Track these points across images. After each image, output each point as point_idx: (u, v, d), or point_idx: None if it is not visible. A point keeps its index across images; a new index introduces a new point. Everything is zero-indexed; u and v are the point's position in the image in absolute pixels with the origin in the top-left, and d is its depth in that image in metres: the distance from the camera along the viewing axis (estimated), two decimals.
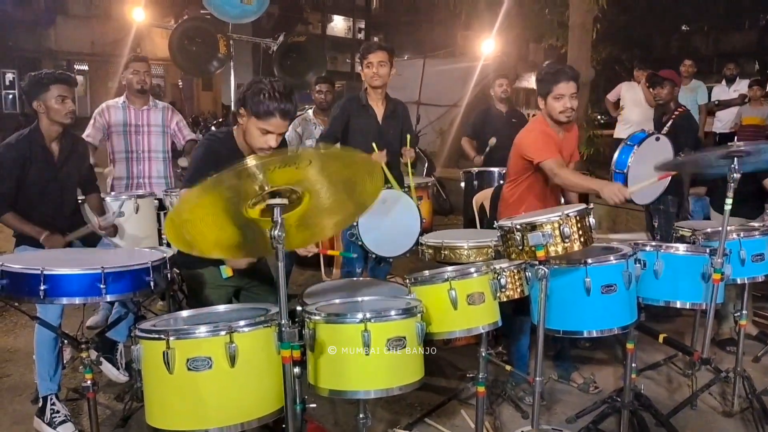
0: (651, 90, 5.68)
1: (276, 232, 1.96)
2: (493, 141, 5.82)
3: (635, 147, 4.50)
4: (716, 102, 8.77)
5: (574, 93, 3.57)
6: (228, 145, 2.96)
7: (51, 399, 3.45)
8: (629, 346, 3.25)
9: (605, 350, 4.53)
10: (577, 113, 4.83)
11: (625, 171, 4.49)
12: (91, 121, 4.87)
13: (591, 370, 4.15)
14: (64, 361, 3.74)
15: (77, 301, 2.54)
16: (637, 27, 19.89)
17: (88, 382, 2.70)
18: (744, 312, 3.60)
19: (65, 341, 3.15)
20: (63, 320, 3.41)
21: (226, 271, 2.88)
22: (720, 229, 3.54)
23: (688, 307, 3.29)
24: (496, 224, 2.96)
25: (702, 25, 25.33)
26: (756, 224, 3.71)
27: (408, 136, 4.43)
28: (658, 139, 4.75)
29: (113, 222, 3.99)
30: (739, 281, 3.43)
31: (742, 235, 3.41)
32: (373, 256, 4.09)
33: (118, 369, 4.01)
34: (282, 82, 2.84)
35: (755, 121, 7.91)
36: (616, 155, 4.70)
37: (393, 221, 4.00)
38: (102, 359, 3.90)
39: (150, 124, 4.97)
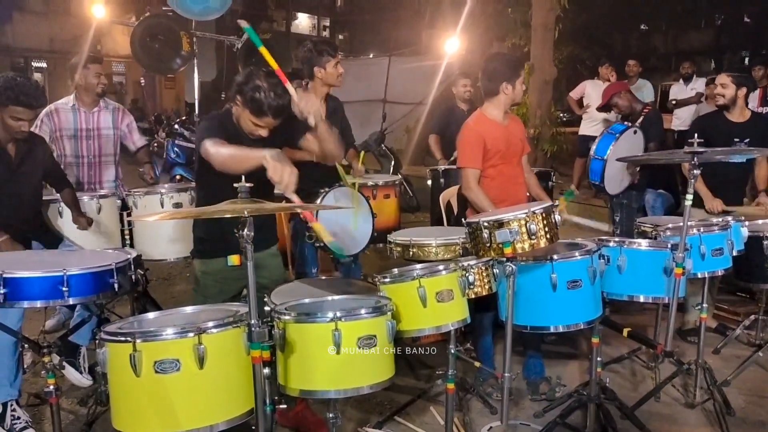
0: (610, 113, 5.82)
1: (245, 231, 1.95)
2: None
3: (617, 136, 4.62)
4: (674, 101, 8.97)
5: None
6: (231, 122, 3.06)
7: (11, 405, 3.36)
8: (594, 340, 3.31)
9: (570, 345, 4.59)
10: (540, 110, 4.93)
11: (605, 157, 4.60)
12: (38, 122, 4.64)
13: (556, 365, 4.20)
14: (25, 366, 3.65)
15: (38, 304, 2.50)
16: (598, 26, 20.20)
17: (51, 387, 2.65)
18: (705, 305, 3.68)
19: (26, 345, 3.08)
20: (23, 323, 3.33)
21: (233, 260, 2.83)
22: (679, 224, 3.66)
23: (650, 301, 3.37)
24: (464, 221, 2.97)
25: (660, 24, 25.85)
26: (714, 219, 3.80)
27: (361, 153, 4.39)
28: (635, 132, 4.89)
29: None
30: (699, 275, 3.51)
31: (702, 231, 3.50)
32: (333, 256, 4.08)
33: (81, 373, 3.93)
34: (276, 79, 2.92)
35: None
36: (596, 142, 4.84)
37: (347, 219, 4.02)
38: (64, 363, 3.81)
39: (100, 127, 4.85)
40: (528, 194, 3.96)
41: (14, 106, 3.39)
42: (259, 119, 2.92)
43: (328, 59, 4.10)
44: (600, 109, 5.78)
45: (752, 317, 4.59)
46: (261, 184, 2.32)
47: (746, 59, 24.55)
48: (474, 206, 3.67)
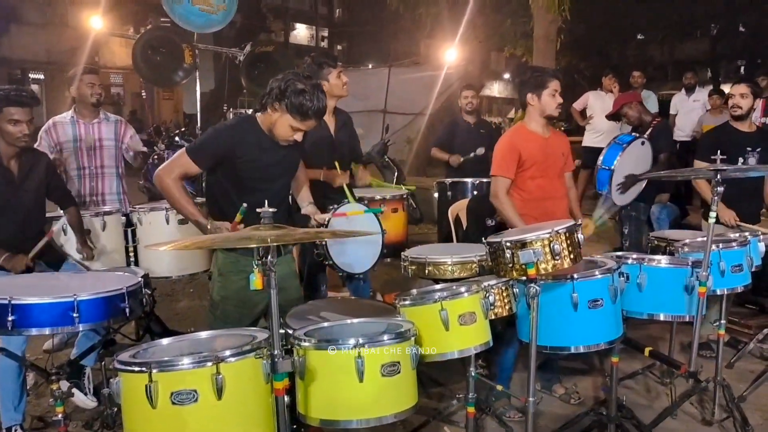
0: (618, 122, 5.78)
1: (269, 258, 1.87)
2: (480, 151, 5.77)
3: (624, 146, 4.57)
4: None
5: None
6: (255, 129, 3.04)
7: (16, 429, 3.29)
8: (614, 359, 3.25)
9: (582, 359, 4.52)
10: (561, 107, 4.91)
11: (612, 167, 4.55)
12: (38, 140, 4.57)
13: (569, 380, 4.14)
14: (28, 387, 3.56)
15: (47, 331, 2.43)
16: (595, 36, 20.28)
17: (59, 415, 2.57)
18: (723, 322, 3.62)
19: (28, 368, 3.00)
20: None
21: (255, 283, 2.77)
22: (697, 240, 3.60)
23: (671, 319, 3.30)
24: (484, 240, 2.91)
25: (657, 34, 25.95)
26: (732, 235, 3.75)
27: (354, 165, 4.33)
28: (643, 143, 4.85)
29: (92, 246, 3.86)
30: (719, 292, 3.45)
31: (721, 247, 3.44)
32: (341, 274, 4.01)
33: (86, 394, 3.83)
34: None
35: None
36: (603, 152, 4.79)
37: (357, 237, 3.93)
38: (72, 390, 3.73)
39: (102, 138, 4.76)
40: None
41: (7, 107, 3.34)
42: (302, 122, 2.92)
43: (329, 71, 4.01)
44: (609, 117, 5.72)
45: (765, 331, 4.53)
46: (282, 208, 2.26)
47: (742, 68, 24.70)
48: (501, 216, 3.64)
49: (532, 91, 3.64)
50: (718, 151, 3.07)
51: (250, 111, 3.67)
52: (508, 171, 3.60)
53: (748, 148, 4.51)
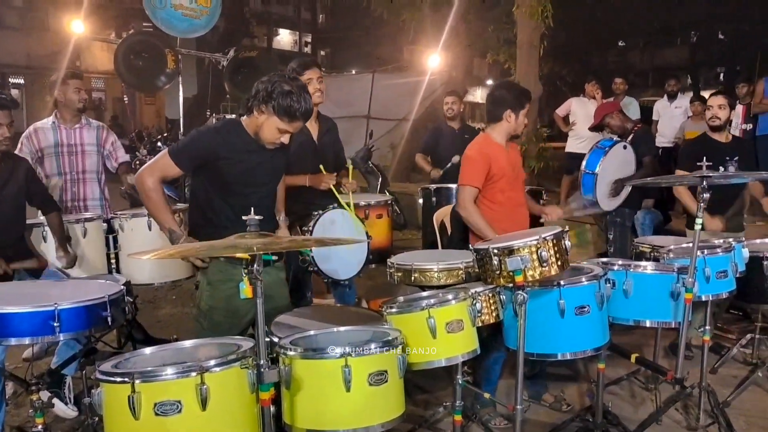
0: (601, 132, 5.83)
1: (255, 266, 1.84)
2: (456, 159, 5.79)
3: (606, 150, 4.60)
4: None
5: None
6: (239, 131, 3.01)
7: None
8: (600, 366, 3.25)
9: (567, 366, 4.52)
10: (526, 128, 5.01)
11: (596, 172, 4.58)
12: (18, 146, 4.53)
13: (554, 386, 4.13)
14: (7, 397, 3.49)
15: (27, 341, 2.38)
16: (577, 43, 20.44)
17: (39, 427, 2.51)
18: (708, 327, 3.63)
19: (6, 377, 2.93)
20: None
21: (245, 292, 2.73)
22: (683, 246, 3.62)
23: (657, 325, 3.31)
24: (471, 247, 2.90)
25: (637, 40, 26.24)
26: (717, 241, 3.77)
27: (350, 167, 4.30)
28: (625, 147, 4.89)
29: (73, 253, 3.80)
30: (704, 298, 3.47)
31: (706, 253, 3.45)
32: (327, 280, 3.98)
33: (66, 404, 3.75)
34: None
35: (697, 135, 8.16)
36: (586, 157, 4.83)
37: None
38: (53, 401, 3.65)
39: (84, 143, 4.71)
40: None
41: None
42: (290, 124, 2.90)
43: (299, 77, 4.00)
44: (592, 129, 5.77)
45: (748, 336, 4.56)
46: (268, 215, 2.23)
47: (721, 75, 25.06)
48: (469, 225, 3.65)
49: (513, 109, 3.68)
50: (704, 158, 3.09)
51: (233, 116, 3.62)
52: (477, 181, 3.62)
53: (727, 158, 4.59)
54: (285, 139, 2.97)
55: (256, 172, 3.05)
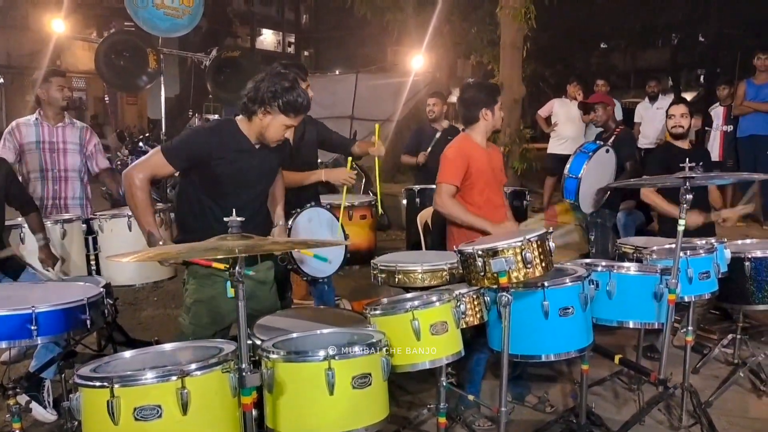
0: (585, 116, 5.87)
1: (237, 269, 1.82)
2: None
3: (590, 154, 4.63)
4: None
5: None
6: (235, 132, 3.00)
7: None
8: (584, 367, 3.26)
9: (550, 366, 4.53)
10: (510, 129, 5.05)
11: (579, 176, 4.61)
12: (1, 142, 4.53)
13: (538, 387, 4.13)
14: None
15: (3, 345, 2.33)
16: (560, 44, 20.55)
17: (16, 431, 2.45)
18: (690, 328, 3.65)
19: None
20: None
21: (232, 291, 2.69)
22: (666, 247, 3.64)
23: (640, 326, 3.32)
24: (455, 249, 2.89)
25: (619, 42, 26.41)
26: (699, 242, 3.79)
27: (349, 160, 4.29)
28: (608, 151, 4.94)
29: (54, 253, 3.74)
30: (687, 299, 3.48)
31: (688, 254, 3.47)
32: (305, 278, 3.96)
33: (45, 408, 3.69)
34: (292, 75, 2.97)
35: None
36: (570, 161, 4.87)
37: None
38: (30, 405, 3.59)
39: (66, 141, 4.67)
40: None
41: None
42: (295, 118, 2.93)
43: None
44: (581, 105, 5.81)
45: (730, 336, 4.59)
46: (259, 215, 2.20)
47: (702, 77, 25.30)
48: (452, 219, 3.66)
49: (487, 107, 3.70)
50: (687, 159, 3.11)
51: (215, 116, 3.60)
52: (455, 178, 3.62)
53: (692, 164, 4.66)
54: (289, 134, 3.05)
55: (248, 173, 3.03)
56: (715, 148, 8.14)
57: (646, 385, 3.94)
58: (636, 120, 9.12)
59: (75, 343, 4.10)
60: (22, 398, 2.63)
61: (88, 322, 2.44)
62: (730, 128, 8.13)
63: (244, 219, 2.04)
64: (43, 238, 3.80)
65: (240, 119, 3.02)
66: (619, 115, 8.44)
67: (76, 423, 2.89)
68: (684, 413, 3.64)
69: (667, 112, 4.89)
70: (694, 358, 4.58)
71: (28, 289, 3.12)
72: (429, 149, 5.99)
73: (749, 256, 3.82)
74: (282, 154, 3.25)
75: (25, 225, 3.86)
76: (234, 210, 2.15)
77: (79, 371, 2.13)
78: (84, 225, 4.23)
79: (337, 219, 4.04)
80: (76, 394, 2.06)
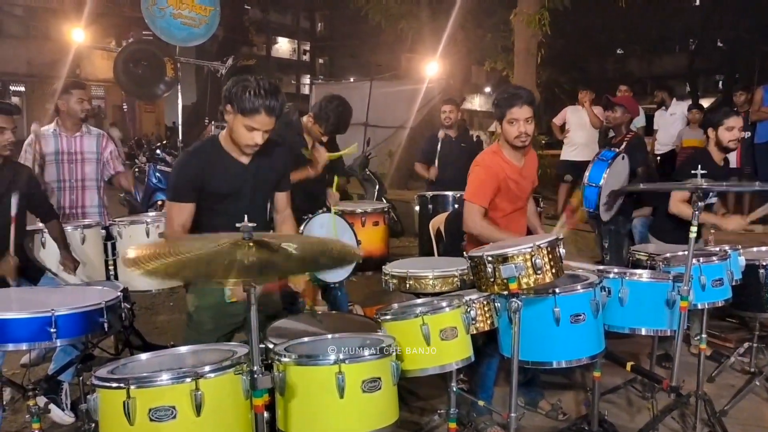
0: (604, 112, 5.79)
1: None
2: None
3: (609, 162, 4.59)
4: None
5: (529, 117, 3.47)
6: (214, 149, 2.96)
7: None
8: (596, 374, 3.25)
9: (563, 374, 4.52)
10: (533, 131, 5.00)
11: (600, 184, 4.56)
12: (22, 153, 4.57)
13: (551, 395, 4.13)
14: (4, 403, 3.49)
15: (24, 347, 2.39)
16: (575, 51, 20.51)
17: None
18: (704, 336, 3.63)
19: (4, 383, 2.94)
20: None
21: (229, 295, 2.72)
22: (679, 254, 3.62)
23: (652, 334, 3.31)
24: (465, 255, 2.91)
25: (635, 48, 26.31)
26: (712, 249, 3.77)
27: (335, 178, 4.33)
28: (623, 158, 4.88)
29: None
30: (700, 306, 3.45)
31: (702, 261, 3.45)
32: (318, 283, 3.99)
33: (63, 410, 3.76)
34: (267, 79, 2.83)
35: (694, 143, 8.18)
36: (589, 169, 4.79)
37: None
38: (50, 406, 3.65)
39: (84, 151, 4.74)
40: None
41: None
42: (251, 118, 2.76)
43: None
44: (605, 99, 5.72)
45: (746, 345, 4.56)
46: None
47: (720, 83, 25.11)
48: (482, 240, 3.52)
49: (497, 119, 3.55)
50: (698, 166, 3.11)
51: None
52: (484, 199, 3.49)
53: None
54: (257, 137, 2.83)
55: (234, 184, 2.99)
56: (732, 154, 8.07)
57: (660, 394, 3.92)
58: (655, 128, 9.10)
59: (93, 347, 4.18)
60: (41, 400, 2.69)
61: (106, 325, 2.49)
62: (747, 134, 8.07)
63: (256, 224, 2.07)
64: (66, 246, 3.87)
65: (221, 133, 3.00)
66: (642, 122, 8.41)
67: (93, 425, 2.94)
68: (698, 422, 3.62)
69: (723, 121, 4.40)
70: (710, 366, 4.56)
71: (47, 292, 3.18)
72: (437, 158, 6.03)
73: (764, 264, 3.79)
74: (277, 166, 3.16)
75: (46, 230, 3.93)
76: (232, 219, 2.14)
77: (96, 372, 2.18)
78: (103, 231, 4.30)
79: (350, 225, 4.08)
80: (94, 394, 2.11)
